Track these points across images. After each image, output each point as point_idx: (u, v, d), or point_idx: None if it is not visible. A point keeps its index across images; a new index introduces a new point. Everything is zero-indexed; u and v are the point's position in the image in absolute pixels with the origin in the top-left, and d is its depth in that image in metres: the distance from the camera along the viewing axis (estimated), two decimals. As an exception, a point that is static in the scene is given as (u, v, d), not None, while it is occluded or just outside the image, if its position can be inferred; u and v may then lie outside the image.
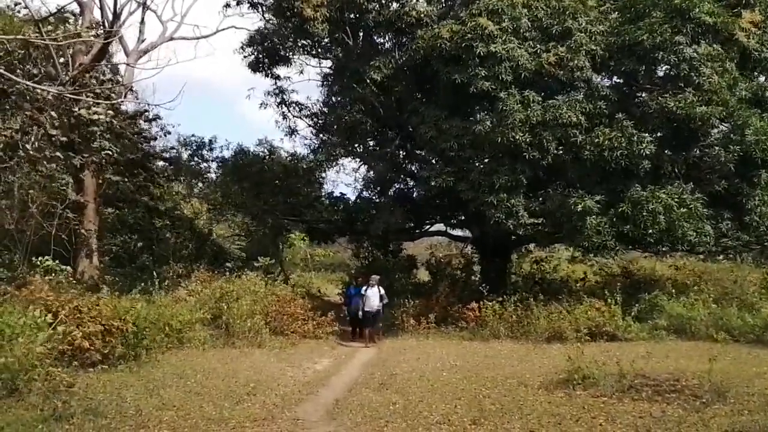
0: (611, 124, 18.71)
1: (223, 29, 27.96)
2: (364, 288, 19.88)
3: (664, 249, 20.85)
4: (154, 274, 18.68)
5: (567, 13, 19.50)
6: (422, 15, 20.97)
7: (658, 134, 19.07)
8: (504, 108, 18.40)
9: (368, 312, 19.50)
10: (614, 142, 18.10)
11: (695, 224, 17.85)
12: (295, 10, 21.22)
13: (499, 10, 19.34)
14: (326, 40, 23.17)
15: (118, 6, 21.45)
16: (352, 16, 22.27)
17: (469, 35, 18.94)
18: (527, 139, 18.31)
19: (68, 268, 17.51)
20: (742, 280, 20.28)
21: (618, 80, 21.51)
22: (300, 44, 24.69)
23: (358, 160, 27.61)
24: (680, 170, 18.90)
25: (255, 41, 25.16)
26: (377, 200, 25.63)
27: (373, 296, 19.56)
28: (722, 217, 18.98)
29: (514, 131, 18.18)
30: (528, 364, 14.62)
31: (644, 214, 17.64)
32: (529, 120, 18.31)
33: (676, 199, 17.86)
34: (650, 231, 17.71)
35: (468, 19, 19.28)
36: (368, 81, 21.27)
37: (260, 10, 25.38)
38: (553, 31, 19.52)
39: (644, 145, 17.91)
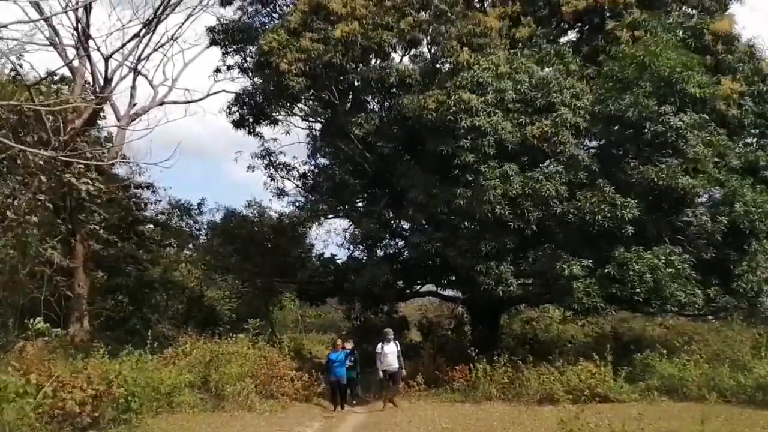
0: (592, 189, 18.60)
1: (214, 93, 28.43)
2: (380, 345, 18.51)
3: (652, 310, 20.67)
4: (143, 335, 18.49)
5: (551, 86, 19.64)
6: (405, 75, 21.35)
7: (640, 200, 18.45)
8: (483, 182, 18.43)
9: (386, 372, 18.29)
10: (596, 206, 17.96)
11: (683, 285, 17.69)
12: (273, 65, 21.48)
13: (484, 82, 19.65)
14: (310, 95, 23.24)
15: (109, 71, 21.93)
16: (331, 73, 22.27)
17: (454, 108, 19.17)
18: (508, 212, 18.37)
19: (58, 330, 17.42)
20: (733, 340, 20.27)
21: (601, 144, 21.39)
22: (281, 102, 24.78)
23: (346, 219, 27.60)
24: (666, 234, 18.80)
25: (240, 100, 25.64)
26: (365, 260, 25.13)
27: (391, 353, 18.37)
28: (710, 282, 18.75)
29: (493, 205, 18.20)
30: (520, 426, 14.53)
31: (630, 274, 17.52)
32: (508, 194, 18.31)
33: (662, 261, 17.74)
34: (638, 290, 17.56)
35: (452, 91, 19.59)
36: (354, 139, 21.38)
37: (249, 74, 25.93)
38: (538, 104, 19.62)
39: (627, 210, 17.74)
